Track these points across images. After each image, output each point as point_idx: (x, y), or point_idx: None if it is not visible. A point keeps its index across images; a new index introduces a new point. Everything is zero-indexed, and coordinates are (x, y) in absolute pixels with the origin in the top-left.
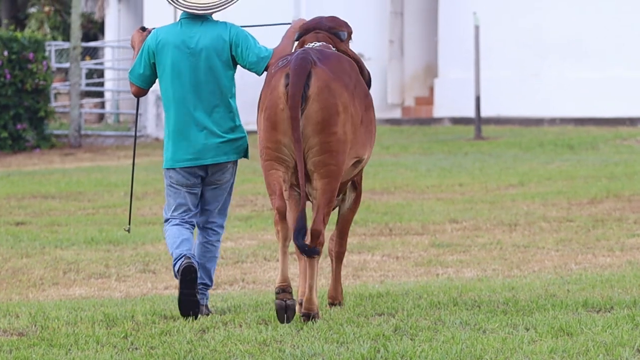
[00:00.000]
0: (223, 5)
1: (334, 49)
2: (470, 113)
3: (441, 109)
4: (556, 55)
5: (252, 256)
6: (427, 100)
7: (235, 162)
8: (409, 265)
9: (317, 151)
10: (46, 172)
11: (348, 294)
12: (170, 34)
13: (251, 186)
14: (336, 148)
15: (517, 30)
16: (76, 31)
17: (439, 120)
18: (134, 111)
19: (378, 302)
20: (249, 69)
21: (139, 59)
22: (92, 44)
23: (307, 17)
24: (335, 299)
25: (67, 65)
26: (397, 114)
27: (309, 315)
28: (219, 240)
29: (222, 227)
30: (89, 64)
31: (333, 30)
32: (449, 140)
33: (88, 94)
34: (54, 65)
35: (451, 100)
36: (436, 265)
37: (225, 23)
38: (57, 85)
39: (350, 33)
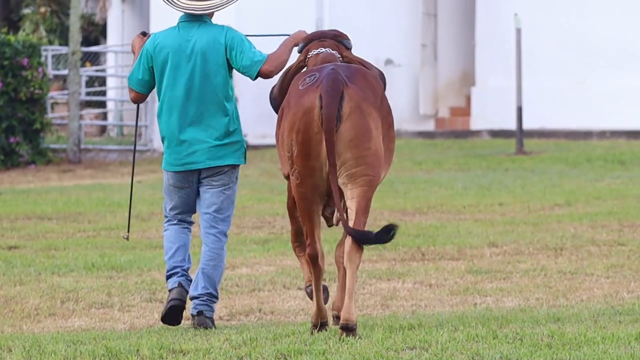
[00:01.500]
0: (221, 6)
1: (338, 55)
2: (511, 125)
3: (479, 120)
4: (606, 62)
5: (269, 284)
6: (464, 111)
7: (234, 167)
8: (443, 294)
9: (351, 165)
10: (42, 190)
11: (376, 325)
12: (167, 37)
13: (269, 206)
14: (372, 161)
15: (563, 33)
16: (75, 34)
17: (476, 133)
18: (140, 123)
19: (409, 335)
20: (242, 73)
21: (137, 63)
22: (93, 48)
23: (331, 19)
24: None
25: (65, 72)
26: (430, 126)
27: (348, 327)
28: (222, 249)
29: (224, 234)
30: (89, 70)
31: (338, 39)
32: (488, 155)
33: (88, 104)
34: (51, 72)
35: (490, 111)
36: (473, 294)
37: (222, 26)
38: (54, 94)
39: (351, 47)
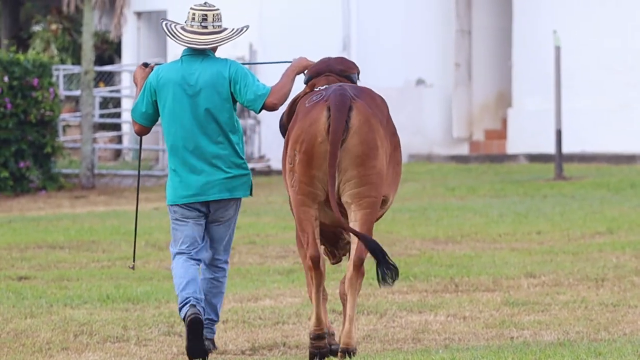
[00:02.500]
0: (223, 41)
1: None
2: (550, 149)
3: (516, 144)
4: None
5: (294, 316)
6: (499, 134)
7: (239, 200)
8: (478, 327)
9: (355, 183)
10: (53, 217)
11: None
12: (171, 71)
13: (292, 235)
14: (376, 180)
15: (605, 52)
16: (88, 53)
17: (513, 157)
18: (156, 147)
19: None
20: (246, 106)
21: (141, 96)
22: (106, 67)
23: (359, 37)
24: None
25: (77, 92)
26: (464, 149)
27: (348, 351)
28: (225, 277)
29: (227, 262)
30: (103, 91)
31: (344, 73)
32: (525, 180)
33: (102, 127)
34: (63, 92)
35: (527, 134)
36: (510, 327)
37: (225, 60)
38: (66, 116)
39: (359, 72)
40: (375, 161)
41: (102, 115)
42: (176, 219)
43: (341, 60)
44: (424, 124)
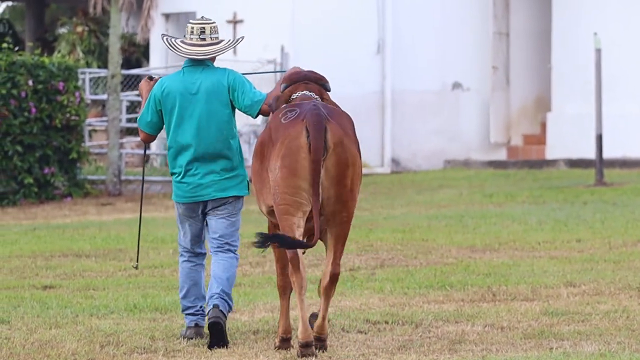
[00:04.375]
0: (220, 51)
1: (318, 97)
2: (590, 154)
3: (555, 149)
4: None
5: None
6: (538, 139)
7: (237, 198)
8: (516, 338)
9: (333, 202)
10: (79, 225)
11: None
12: (174, 81)
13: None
14: (347, 198)
15: None
16: (115, 56)
17: (552, 162)
18: None
19: None
20: (244, 112)
21: (146, 107)
22: (134, 71)
23: (394, 40)
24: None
25: (104, 96)
26: (501, 155)
27: (320, 339)
28: (233, 258)
29: (235, 246)
30: (130, 95)
31: (320, 82)
32: (565, 186)
33: (129, 132)
34: (89, 96)
35: (567, 139)
36: (549, 338)
37: (224, 69)
38: (92, 120)
39: (328, 83)
40: (347, 180)
41: (129, 120)
42: (179, 215)
43: (313, 72)
44: (460, 129)
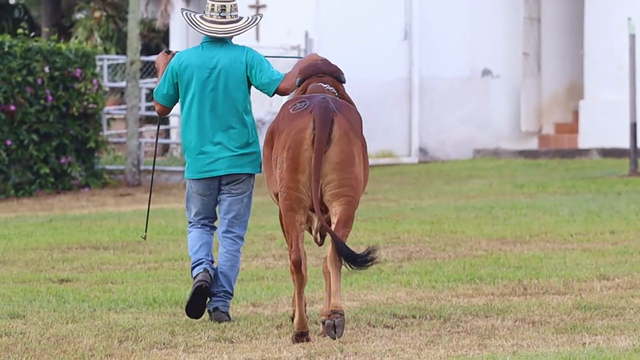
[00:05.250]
0: (240, 30)
1: (334, 90)
2: (624, 143)
3: (588, 138)
4: None
5: (352, 321)
6: (571, 128)
7: (250, 176)
8: (548, 333)
9: (335, 185)
10: (97, 216)
11: None
12: (192, 56)
13: (352, 234)
14: (353, 184)
15: None
16: (134, 42)
17: (585, 152)
18: None
19: None
20: (260, 90)
21: (163, 79)
22: (153, 57)
23: (421, 25)
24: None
25: (122, 84)
26: (533, 144)
27: (336, 312)
28: (238, 251)
29: (241, 238)
30: (150, 82)
31: (335, 75)
32: (598, 176)
33: (149, 120)
34: (107, 84)
35: (600, 128)
36: (582, 332)
37: (243, 47)
38: (110, 109)
39: (343, 75)
40: (353, 167)
41: (148, 108)
42: (192, 192)
43: (327, 62)
44: (490, 117)
